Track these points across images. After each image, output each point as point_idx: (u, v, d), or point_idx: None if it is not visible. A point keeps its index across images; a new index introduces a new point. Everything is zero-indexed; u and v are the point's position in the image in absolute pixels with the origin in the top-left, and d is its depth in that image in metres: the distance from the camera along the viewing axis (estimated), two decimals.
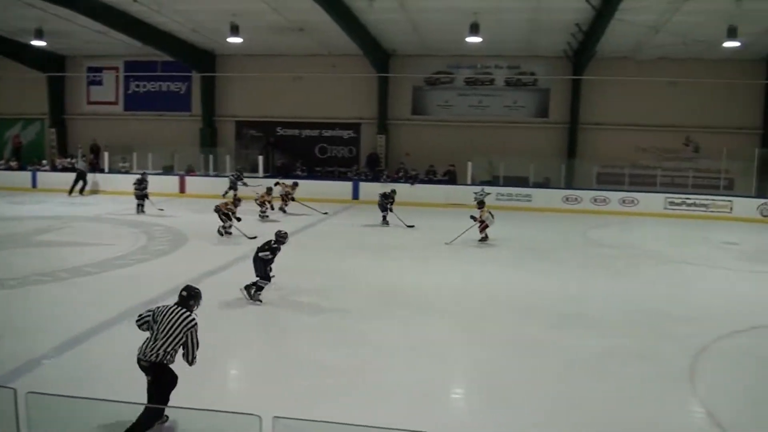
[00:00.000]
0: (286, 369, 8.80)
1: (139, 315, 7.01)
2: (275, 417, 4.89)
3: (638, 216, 24.97)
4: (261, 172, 28.45)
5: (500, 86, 30.18)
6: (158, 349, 6.61)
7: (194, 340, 6.78)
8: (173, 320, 6.73)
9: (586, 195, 26.09)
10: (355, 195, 27.80)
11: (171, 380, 6.80)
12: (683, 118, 28.93)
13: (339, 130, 31.65)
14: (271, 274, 12.00)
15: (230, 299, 11.88)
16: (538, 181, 28.00)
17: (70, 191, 27.70)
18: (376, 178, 27.95)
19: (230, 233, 18.26)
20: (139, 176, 23.48)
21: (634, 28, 23.13)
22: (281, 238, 12.34)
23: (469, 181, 27.22)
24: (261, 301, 11.75)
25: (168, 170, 29.68)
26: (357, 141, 31.65)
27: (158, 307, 6.95)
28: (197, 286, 7.20)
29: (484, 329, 10.86)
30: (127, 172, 28.49)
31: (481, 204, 18.98)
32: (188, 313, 6.87)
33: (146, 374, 6.68)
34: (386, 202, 21.48)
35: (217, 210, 18.31)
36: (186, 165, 30.23)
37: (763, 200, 25.37)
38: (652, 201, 25.69)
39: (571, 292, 13.51)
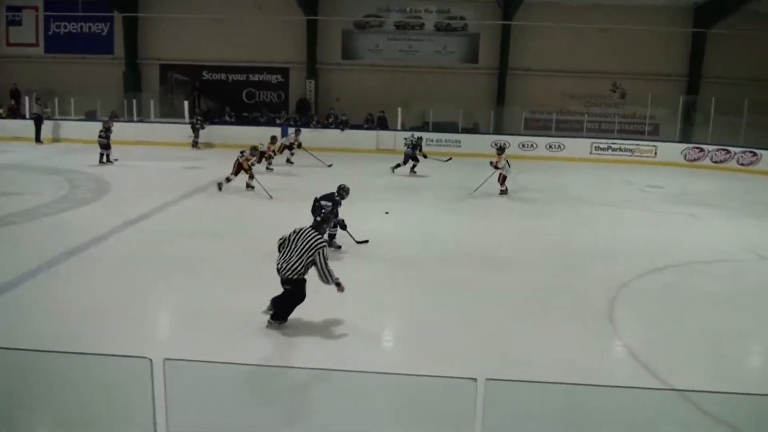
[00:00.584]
0: (196, 314, 8.64)
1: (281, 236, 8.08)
2: (166, 359, 4.76)
3: (565, 161, 25.36)
4: (186, 118, 27.65)
5: (430, 31, 29.96)
6: (291, 267, 7.67)
7: (323, 261, 7.65)
8: (304, 241, 7.73)
9: (515, 140, 26.29)
10: None
11: (300, 297, 7.88)
12: (611, 65, 29.37)
13: (267, 74, 31.00)
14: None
15: (149, 247, 11.64)
16: (468, 126, 28.12)
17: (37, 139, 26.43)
18: (306, 124, 27.54)
19: (252, 187, 17.35)
20: (105, 123, 21.71)
21: None
22: (343, 191, 12.25)
23: (399, 127, 27.10)
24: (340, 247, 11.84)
25: (91, 116, 28.60)
26: (286, 86, 31.08)
27: (296, 229, 7.96)
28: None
29: (409, 271, 10.94)
30: (49, 118, 27.26)
31: (500, 150, 18.68)
32: (318, 235, 7.85)
33: (285, 284, 7.79)
34: (415, 152, 21.14)
35: (241, 164, 17.26)
36: (110, 111, 29.17)
37: (686, 145, 26.08)
38: (578, 146, 26.10)
39: (496, 235, 13.80)
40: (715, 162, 25.52)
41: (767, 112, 25.06)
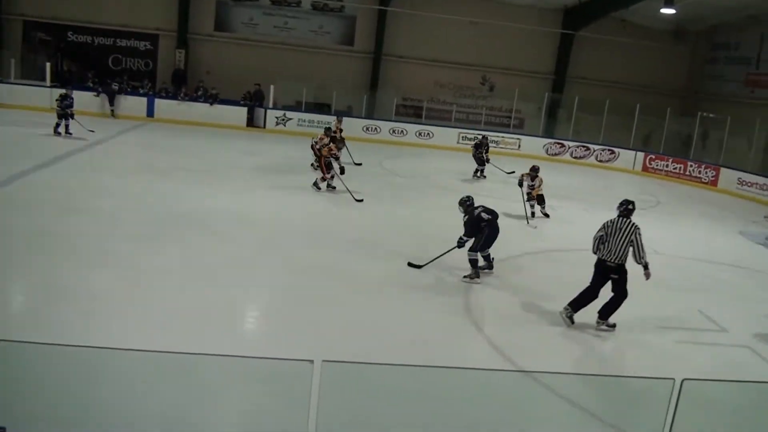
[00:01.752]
0: (51, 295, 8.18)
1: (593, 239, 8.82)
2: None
3: (433, 148, 25.77)
4: (48, 81, 25.91)
5: (307, 9, 29.54)
6: (617, 253, 8.55)
7: (640, 242, 8.53)
8: (623, 229, 8.55)
9: (386, 126, 26.51)
10: (150, 112, 26.12)
11: (627, 276, 8.70)
12: (482, 58, 30.14)
13: (135, 40, 29.48)
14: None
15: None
16: (341, 109, 27.99)
17: None
18: (173, 96, 26.55)
19: (334, 187, 15.96)
20: (63, 91, 20.05)
21: None
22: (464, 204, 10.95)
23: (270, 105, 26.67)
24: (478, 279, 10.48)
25: None
26: (154, 54, 29.72)
27: (606, 223, 8.75)
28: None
29: (268, 254, 10.81)
30: None
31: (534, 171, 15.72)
32: (631, 221, 8.66)
33: (612, 273, 8.68)
34: (480, 152, 20.32)
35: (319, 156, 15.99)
36: None
37: (549, 140, 27.12)
38: (446, 135, 26.61)
39: (361, 219, 13.85)
40: (575, 157, 26.71)
41: (625, 113, 26.56)
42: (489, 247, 10.67)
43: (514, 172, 18.84)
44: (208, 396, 5.50)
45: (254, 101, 26.86)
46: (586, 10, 28.64)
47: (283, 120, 25.79)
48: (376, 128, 26.45)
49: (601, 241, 8.73)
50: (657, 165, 25.57)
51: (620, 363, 8.39)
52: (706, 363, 8.35)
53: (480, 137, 20.98)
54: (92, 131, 20.03)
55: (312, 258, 10.73)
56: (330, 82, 27.28)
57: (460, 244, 10.47)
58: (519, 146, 26.87)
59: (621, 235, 8.56)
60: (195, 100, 26.27)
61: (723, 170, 24.04)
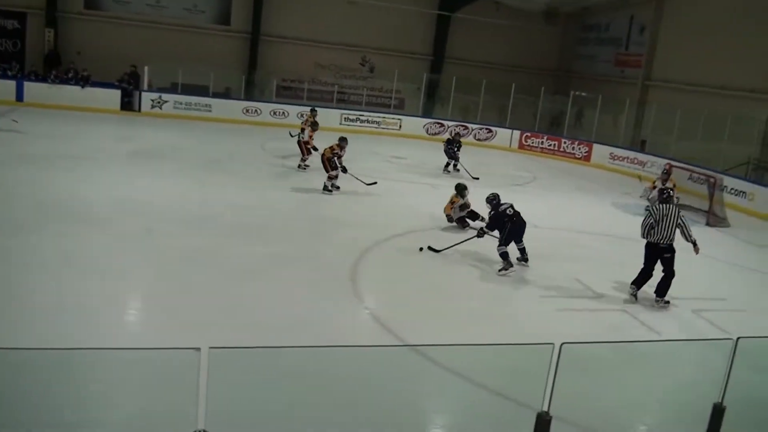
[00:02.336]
0: None
1: (642, 226, 9.77)
2: None
3: None
4: None
5: None
6: (668, 235, 9.61)
7: (686, 223, 9.73)
8: (669, 214, 9.64)
9: (266, 107, 26.02)
10: (20, 96, 24.42)
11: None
12: (361, 39, 30.09)
13: (1, 19, 27.59)
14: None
15: None
16: (219, 91, 27.26)
17: None
18: (43, 79, 24.99)
19: (338, 187, 15.31)
20: None
21: None
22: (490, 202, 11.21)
23: (145, 87, 25.65)
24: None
25: None
26: (22, 34, 27.87)
27: (651, 211, 9.84)
28: None
29: (149, 242, 10.43)
30: None
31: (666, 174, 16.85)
32: (674, 205, 10.05)
33: (665, 253, 9.68)
34: (452, 147, 19.59)
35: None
36: None
37: (428, 120, 27.40)
38: (328, 116, 26.25)
39: (243, 202, 13.55)
40: None
41: (501, 94, 27.19)
42: (516, 240, 10.89)
43: (478, 178, 18.26)
44: (95, 391, 5.21)
45: (131, 83, 25.63)
46: None
47: (159, 103, 24.88)
48: (256, 110, 25.90)
49: (650, 227, 9.67)
50: (533, 142, 26.31)
51: (504, 332, 8.54)
52: (586, 327, 8.66)
53: (453, 131, 20.97)
54: (15, 121, 18.65)
55: (193, 244, 10.43)
56: (207, 63, 26.44)
57: (480, 234, 11.06)
58: (400, 126, 27.03)
59: (669, 219, 9.62)
60: (66, 82, 24.84)
61: (595, 146, 25.03)
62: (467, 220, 12.99)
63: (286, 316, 8.03)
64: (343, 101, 29.11)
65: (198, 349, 3.99)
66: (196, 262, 9.62)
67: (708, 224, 16.09)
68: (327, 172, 15.21)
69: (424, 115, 28.21)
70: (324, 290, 9.00)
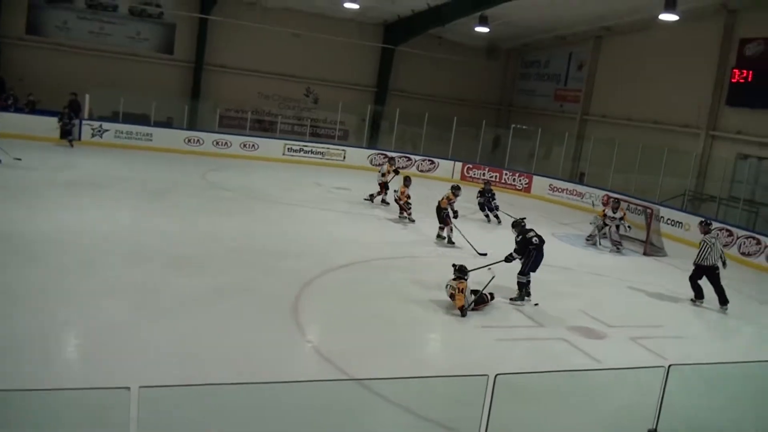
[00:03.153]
0: None
1: (702, 252, 12.04)
2: None
3: (258, 160, 25.38)
4: None
5: (124, 14, 28.19)
6: (716, 258, 11.95)
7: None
8: (716, 243, 12.10)
9: (208, 137, 25.79)
10: None
11: None
12: (305, 70, 30.20)
13: None
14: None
15: None
16: (161, 120, 26.96)
17: None
18: None
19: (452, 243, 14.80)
20: None
21: None
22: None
23: (86, 116, 25.20)
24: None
25: None
26: None
27: (709, 241, 12.04)
28: None
29: (86, 276, 10.13)
30: None
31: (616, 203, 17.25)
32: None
33: (714, 271, 12.00)
34: (486, 199, 18.82)
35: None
36: None
37: (372, 151, 27.51)
38: (271, 146, 26.33)
39: (186, 233, 13.33)
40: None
41: (443, 126, 27.52)
42: (535, 270, 11.05)
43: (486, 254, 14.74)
44: None
45: (71, 111, 25.05)
46: (405, 26, 29.47)
47: (99, 131, 24.45)
48: (198, 140, 25.65)
49: (707, 253, 11.97)
50: (474, 174, 26.64)
51: (448, 362, 8.57)
52: (528, 356, 8.74)
53: (483, 184, 19.67)
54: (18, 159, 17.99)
55: (132, 277, 10.21)
56: (149, 91, 26.15)
57: (508, 259, 11.11)
58: (344, 158, 27.09)
59: (718, 245, 12.17)
60: (5, 109, 24.15)
61: (535, 178, 25.53)
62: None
63: (225, 350, 7.88)
64: (286, 132, 29.09)
65: (127, 388, 3.88)
66: (134, 296, 9.40)
67: (645, 254, 16.51)
68: (440, 223, 15.07)
69: (369, 147, 28.37)
70: (265, 323, 8.89)
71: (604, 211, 17.25)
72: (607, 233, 16.99)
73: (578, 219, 19.66)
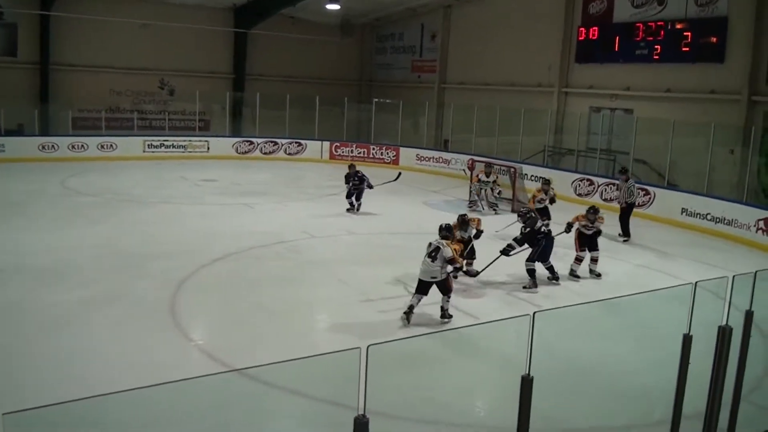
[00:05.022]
0: None
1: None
2: None
3: (118, 161, 24.46)
4: None
5: None
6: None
7: None
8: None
9: (63, 142, 24.59)
10: None
11: None
12: (158, 62, 29.20)
13: None
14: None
15: None
16: (11, 128, 25.48)
17: None
18: None
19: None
20: None
21: None
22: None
23: None
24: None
25: None
26: None
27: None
28: None
29: None
30: None
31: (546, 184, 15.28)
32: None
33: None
34: (355, 184, 16.71)
35: None
36: None
37: (237, 139, 27.16)
38: (130, 145, 25.46)
39: (50, 245, 12.60)
40: (265, 153, 27.04)
41: (306, 106, 27.45)
42: (546, 259, 10.98)
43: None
44: None
45: None
46: (255, 9, 29.02)
47: None
48: (53, 145, 24.42)
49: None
50: (343, 152, 26.77)
51: (333, 343, 8.61)
52: (408, 325, 8.88)
53: (348, 168, 17.46)
54: None
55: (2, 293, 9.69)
56: None
57: (506, 252, 10.88)
58: (208, 148, 26.55)
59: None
60: None
61: (402, 149, 25.93)
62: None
63: (103, 364, 7.57)
64: (145, 128, 28.19)
65: None
66: (8, 314, 8.94)
67: (513, 210, 17.14)
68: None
69: (233, 135, 27.92)
70: (144, 329, 8.60)
71: (478, 176, 17.76)
72: (483, 196, 17.57)
73: (446, 185, 20.15)
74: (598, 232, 11.78)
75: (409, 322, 8.84)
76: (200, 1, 27.64)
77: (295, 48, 30.95)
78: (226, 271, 11.39)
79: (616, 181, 18.42)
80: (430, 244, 9.32)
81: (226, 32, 30.32)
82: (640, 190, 16.92)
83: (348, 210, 16.61)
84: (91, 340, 8.24)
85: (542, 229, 11.04)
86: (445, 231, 9.56)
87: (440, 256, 8.99)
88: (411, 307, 8.99)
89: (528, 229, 11.04)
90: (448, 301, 9.22)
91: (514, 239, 11.04)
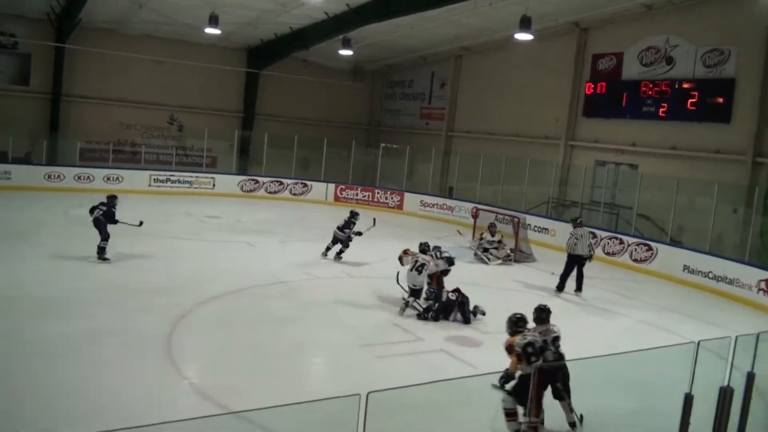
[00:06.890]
0: None
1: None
2: None
3: (124, 193, 24.44)
4: None
5: None
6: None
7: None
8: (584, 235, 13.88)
9: (70, 172, 24.71)
10: None
11: None
12: (168, 98, 29.51)
13: None
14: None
15: None
16: (18, 156, 25.63)
17: None
18: None
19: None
20: None
21: (118, 1, 22.69)
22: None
23: None
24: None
25: None
26: None
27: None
28: None
29: None
30: None
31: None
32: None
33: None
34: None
35: None
36: None
37: (242, 177, 27.27)
38: (137, 178, 25.58)
39: (49, 275, 12.64)
40: (270, 192, 27.14)
41: (313, 148, 27.66)
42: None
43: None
44: None
45: None
46: (269, 50, 29.35)
47: None
48: (59, 175, 24.53)
49: (574, 244, 13.96)
50: (348, 194, 26.89)
51: (328, 388, 8.54)
52: (410, 371, 8.83)
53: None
54: None
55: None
56: (5, 126, 24.79)
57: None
58: (213, 185, 26.68)
59: (586, 239, 14.26)
60: None
61: (407, 195, 26.04)
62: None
63: (96, 398, 7.51)
64: (152, 162, 28.33)
65: None
66: (7, 346, 8.85)
67: (515, 261, 17.12)
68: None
69: (239, 173, 28.07)
70: (139, 365, 8.53)
71: (482, 234, 17.81)
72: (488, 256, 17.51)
73: (450, 232, 20.09)
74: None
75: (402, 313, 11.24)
76: (215, 41, 27.99)
77: (306, 90, 31.31)
78: (225, 310, 11.34)
79: (618, 234, 18.54)
80: (416, 261, 11.72)
81: (239, 72, 30.67)
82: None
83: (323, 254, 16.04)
84: (83, 374, 8.17)
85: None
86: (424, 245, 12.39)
87: (425, 271, 11.50)
88: (406, 303, 11.43)
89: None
90: (417, 302, 11.44)
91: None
